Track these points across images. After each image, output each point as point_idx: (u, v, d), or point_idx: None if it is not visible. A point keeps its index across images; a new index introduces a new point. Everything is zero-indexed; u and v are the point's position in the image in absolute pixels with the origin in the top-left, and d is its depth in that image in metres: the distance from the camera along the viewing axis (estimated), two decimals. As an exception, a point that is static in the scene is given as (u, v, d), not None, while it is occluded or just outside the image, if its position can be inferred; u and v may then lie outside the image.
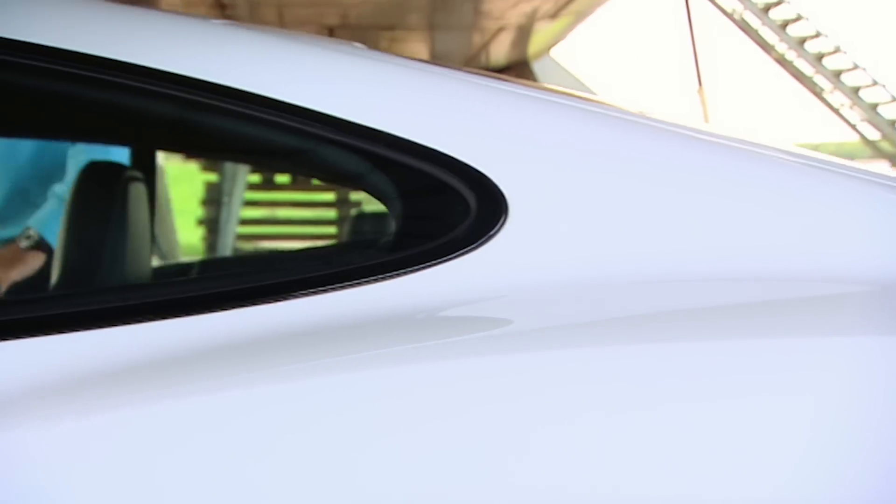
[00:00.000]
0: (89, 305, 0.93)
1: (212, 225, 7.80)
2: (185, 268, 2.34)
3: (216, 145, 1.17)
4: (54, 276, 1.45)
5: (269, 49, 1.01)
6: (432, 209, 0.95)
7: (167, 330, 0.88)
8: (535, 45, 8.20)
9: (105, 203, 1.41)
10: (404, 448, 0.79)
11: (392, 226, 0.96)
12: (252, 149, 1.10)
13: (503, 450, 0.78)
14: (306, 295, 0.90)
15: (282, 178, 7.63)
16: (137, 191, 1.44)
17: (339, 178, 1.08)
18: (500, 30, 6.92)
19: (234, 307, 0.89)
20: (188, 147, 1.47)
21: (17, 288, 1.54)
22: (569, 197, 0.94)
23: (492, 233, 0.92)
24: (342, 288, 0.90)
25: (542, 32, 7.45)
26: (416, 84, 0.99)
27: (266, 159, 1.17)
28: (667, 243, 0.94)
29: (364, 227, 1.20)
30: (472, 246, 0.92)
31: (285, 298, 0.90)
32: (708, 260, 0.93)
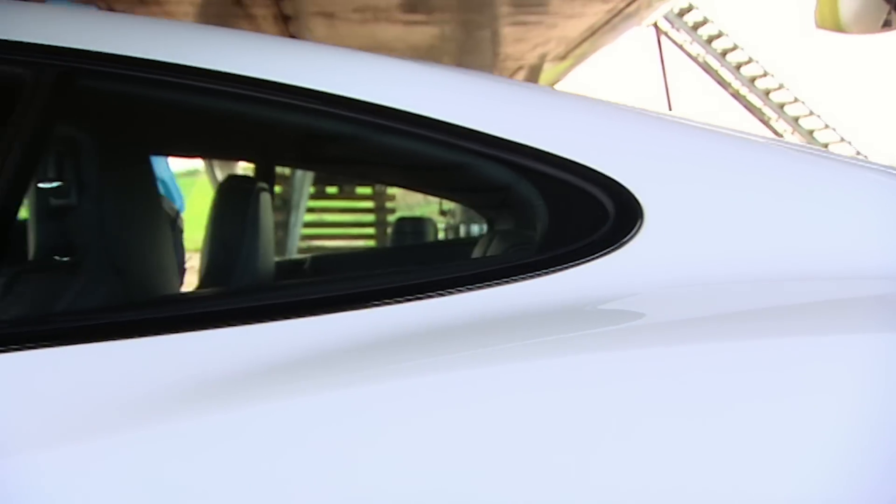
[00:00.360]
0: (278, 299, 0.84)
1: (380, 228, 7.78)
2: (350, 264, 2.26)
3: (382, 159, 1.09)
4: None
5: (442, 79, 0.93)
6: (575, 215, 0.87)
7: (335, 324, 0.80)
8: (540, 82, 8.08)
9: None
10: (551, 432, 0.72)
11: (539, 230, 0.88)
12: (418, 162, 1.02)
13: (641, 431, 0.72)
14: (468, 290, 0.82)
15: (440, 188, 7.50)
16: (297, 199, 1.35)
17: (494, 188, 1.00)
18: (519, 69, 6.81)
19: (400, 302, 0.81)
20: (352, 161, 1.39)
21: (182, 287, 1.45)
22: (695, 204, 0.86)
23: (628, 237, 0.84)
24: (497, 285, 0.82)
25: (547, 72, 7.34)
26: (559, 106, 0.92)
27: (429, 171, 1.09)
28: (780, 244, 0.85)
29: (512, 232, 1.11)
30: (611, 248, 0.84)
31: (451, 293, 0.83)
32: (820, 260, 0.84)
